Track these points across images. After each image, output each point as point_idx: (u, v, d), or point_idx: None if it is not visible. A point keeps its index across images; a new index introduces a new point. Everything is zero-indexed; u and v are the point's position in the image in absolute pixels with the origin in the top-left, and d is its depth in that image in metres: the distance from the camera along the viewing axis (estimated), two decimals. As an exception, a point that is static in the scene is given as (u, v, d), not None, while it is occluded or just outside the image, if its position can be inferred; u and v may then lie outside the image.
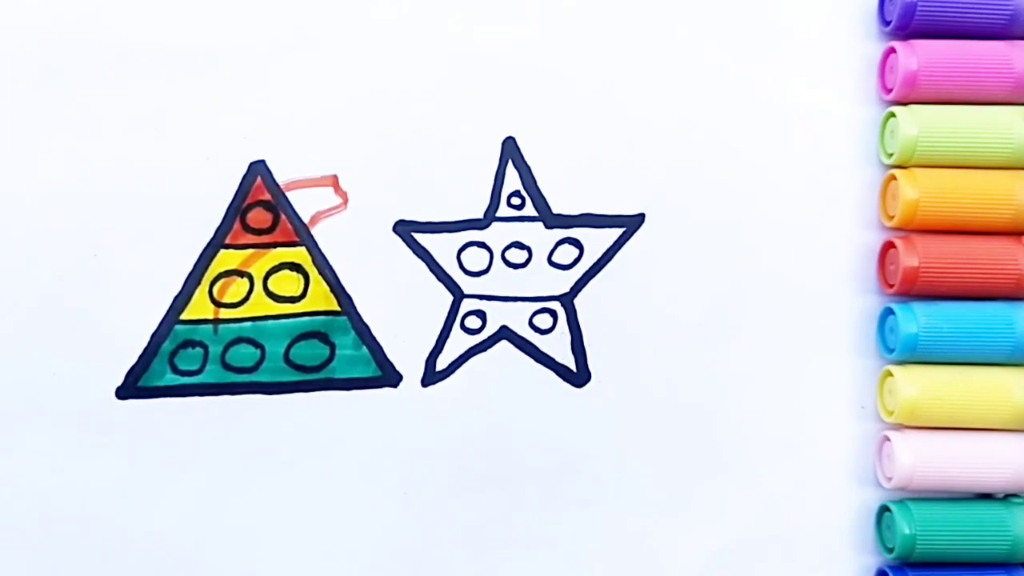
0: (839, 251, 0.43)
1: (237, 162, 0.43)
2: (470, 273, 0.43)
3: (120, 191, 0.43)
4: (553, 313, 0.43)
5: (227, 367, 0.43)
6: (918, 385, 0.42)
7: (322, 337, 0.43)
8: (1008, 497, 0.42)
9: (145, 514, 0.43)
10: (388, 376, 0.43)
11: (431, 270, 0.43)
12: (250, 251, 0.43)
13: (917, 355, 0.42)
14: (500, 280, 0.43)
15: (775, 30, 0.44)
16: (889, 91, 0.43)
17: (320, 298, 0.43)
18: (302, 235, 0.43)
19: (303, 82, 0.43)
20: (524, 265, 0.43)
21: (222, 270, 0.43)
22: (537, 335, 0.43)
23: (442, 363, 0.43)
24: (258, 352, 0.43)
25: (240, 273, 0.43)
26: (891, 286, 0.43)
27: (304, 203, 0.43)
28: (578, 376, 0.43)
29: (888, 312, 0.43)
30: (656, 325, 0.43)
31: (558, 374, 0.43)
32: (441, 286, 0.43)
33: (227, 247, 0.43)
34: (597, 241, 0.43)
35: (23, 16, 0.43)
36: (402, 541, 0.43)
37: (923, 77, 0.42)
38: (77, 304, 0.43)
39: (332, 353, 0.43)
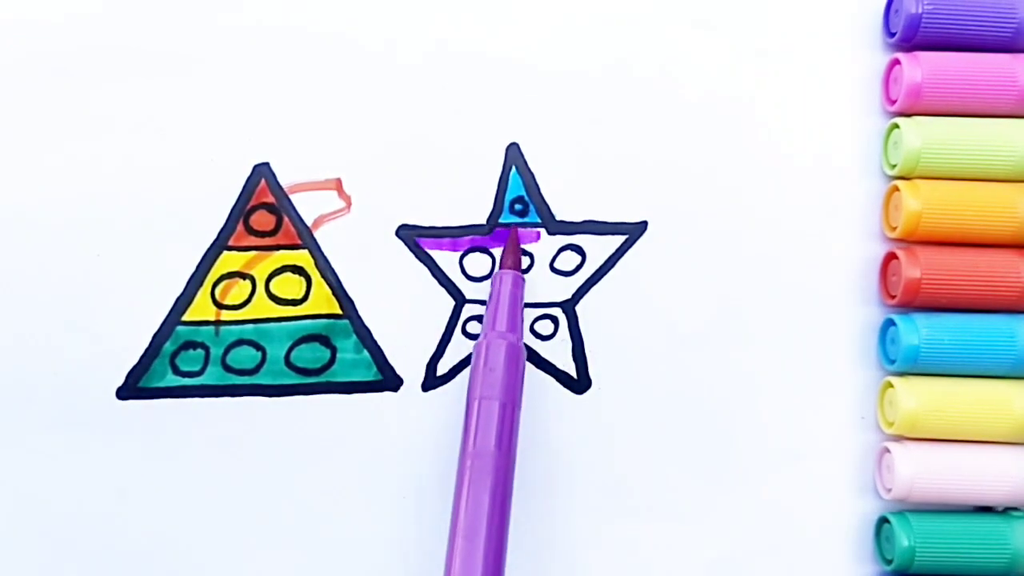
0: (841, 261, 0.43)
1: (241, 164, 0.43)
2: (472, 278, 0.43)
3: (124, 192, 0.43)
4: (554, 319, 0.43)
5: (228, 369, 0.43)
6: (918, 397, 0.42)
7: (323, 340, 0.43)
8: (1008, 510, 0.42)
9: (144, 515, 0.43)
10: (389, 380, 0.43)
11: (433, 275, 0.43)
12: (253, 253, 0.43)
13: (918, 367, 0.42)
14: (502, 286, 0.43)
15: (779, 40, 0.44)
16: (893, 102, 0.43)
17: (322, 301, 0.43)
18: (305, 238, 0.43)
19: (308, 85, 0.43)
20: (526, 271, 0.43)
21: (224, 272, 0.43)
22: (538, 341, 0.43)
23: (443, 368, 0.43)
24: (259, 354, 0.43)
25: (242, 275, 0.43)
26: (893, 297, 0.43)
27: (307, 206, 0.43)
28: (578, 383, 0.43)
29: (889, 323, 0.43)
30: (657, 333, 0.43)
31: (559, 380, 0.43)
32: (443, 291, 0.43)
33: (230, 249, 0.43)
34: (599, 248, 0.43)
35: (27, 17, 0.43)
36: (401, 545, 0.43)
37: (927, 89, 0.42)
38: (79, 304, 0.43)
39: (333, 356, 0.43)
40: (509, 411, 0.40)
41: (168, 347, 0.43)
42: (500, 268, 0.42)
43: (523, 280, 0.42)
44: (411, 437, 0.43)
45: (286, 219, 0.43)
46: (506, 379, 0.40)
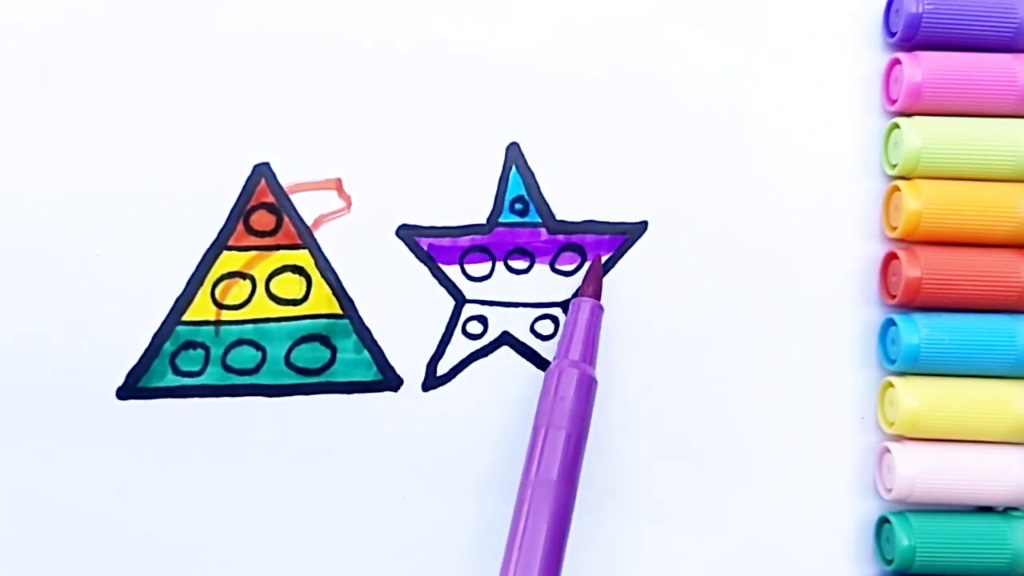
0: (841, 261, 0.43)
1: (241, 164, 0.43)
2: (472, 278, 0.43)
3: (124, 192, 0.43)
4: (555, 319, 0.43)
5: (228, 369, 0.43)
6: (919, 397, 0.42)
7: (323, 340, 0.43)
8: (1008, 510, 0.42)
9: (144, 515, 0.43)
10: (389, 380, 0.43)
11: (433, 275, 0.43)
12: (253, 253, 0.43)
13: (918, 367, 0.42)
14: (502, 286, 0.43)
15: (779, 40, 0.44)
16: (893, 102, 0.43)
17: (322, 301, 0.43)
18: (305, 238, 0.43)
19: (308, 85, 0.43)
20: (526, 271, 0.43)
21: (224, 272, 0.43)
22: (539, 341, 0.43)
23: (443, 368, 0.43)
24: (259, 354, 0.43)
25: (242, 275, 0.43)
26: (893, 297, 0.43)
27: (307, 206, 0.43)
28: (579, 383, 0.43)
29: (890, 323, 0.43)
30: (657, 333, 0.43)
31: (559, 380, 0.43)
32: (443, 291, 0.43)
33: (230, 249, 0.43)
34: (599, 248, 0.43)
35: (26, 16, 0.43)
36: (401, 546, 0.43)
37: (927, 89, 0.42)
38: (79, 304, 0.43)
39: (333, 356, 0.43)
40: (574, 441, 0.40)
41: (168, 347, 0.43)
42: (580, 296, 0.42)
43: (602, 309, 0.42)
44: (411, 437, 0.43)
45: (286, 219, 0.43)
46: (575, 409, 0.40)
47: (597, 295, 0.42)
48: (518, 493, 0.40)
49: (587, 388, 0.41)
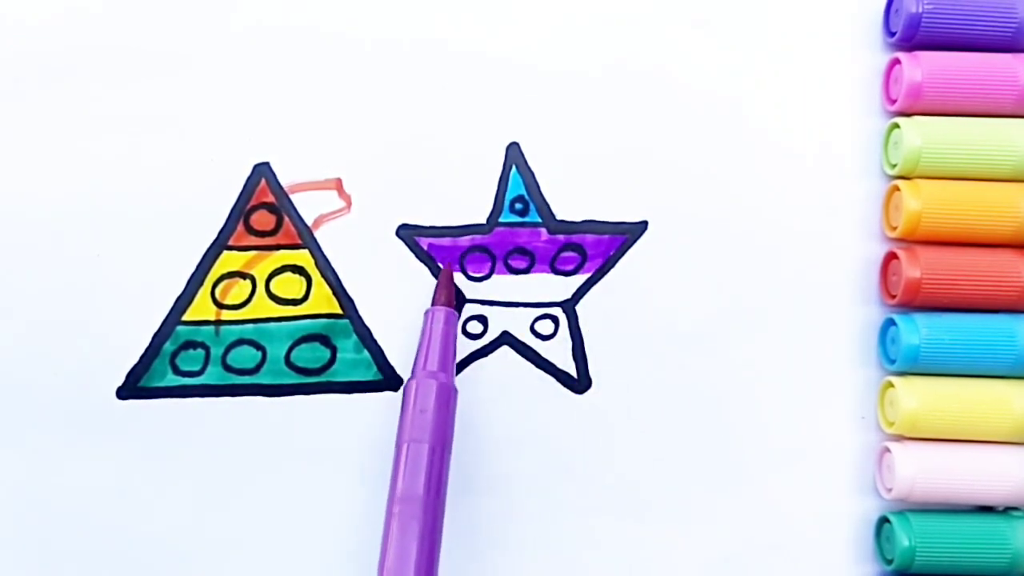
0: (841, 261, 0.43)
1: (241, 164, 0.43)
2: (472, 278, 0.43)
3: (124, 192, 0.43)
4: (555, 319, 0.43)
5: (228, 369, 0.43)
6: (919, 397, 0.42)
7: (324, 340, 0.43)
8: (1008, 510, 0.42)
9: (144, 514, 0.43)
10: (389, 380, 0.43)
11: (433, 275, 0.43)
12: (253, 253, 0.43)
13: (918, 366, 0.42)
14: (502, 286, 0.43)
15: (779, 40, 0.44)
16: (893, 102, 0.43)
17: (322, 301, 0.43)
18: (305, 238, 0.43)
19: (308, 85, 0.43)
20: (526, 271, 0.43)
21: (225, 272, 0.43)
22: (538, 341, 0.43)
23: (443, 368, 0.43)
24: (259, 354, 0.43)
25: (243, 275, 0.43)
26: (893, 297, 0.43)
27: (308, 206, 0.43)
28: (579, 382, 0.43)
29: (890, 323, 0.43)
30: (657, 332, 0.43)
31: (559, 380, 0.43)
32: (443, 291, 0.43)
33: (230, 249, 0.43)
34: (599, 248, 0.43)
35: (26, 16, 0.43)
36: (400, 546, 0.43)
37: (927, 88, 0.42)
38: (79, 304, 0.43)
39: (333, 356, 0.43)
40: (439, 454, 0.39)
41: (168, 347, 0.43)
42: (432, 305, 0.42)
43: (456, 317, 0.42)
44: (411, 437, 0.43)
45: (286, 219, 0.43)
46: (436, 421, 0.40)
47: (450, 303, 0.42)
48: (385, 512, 0.39)
49: (447, 398, 0.40)
